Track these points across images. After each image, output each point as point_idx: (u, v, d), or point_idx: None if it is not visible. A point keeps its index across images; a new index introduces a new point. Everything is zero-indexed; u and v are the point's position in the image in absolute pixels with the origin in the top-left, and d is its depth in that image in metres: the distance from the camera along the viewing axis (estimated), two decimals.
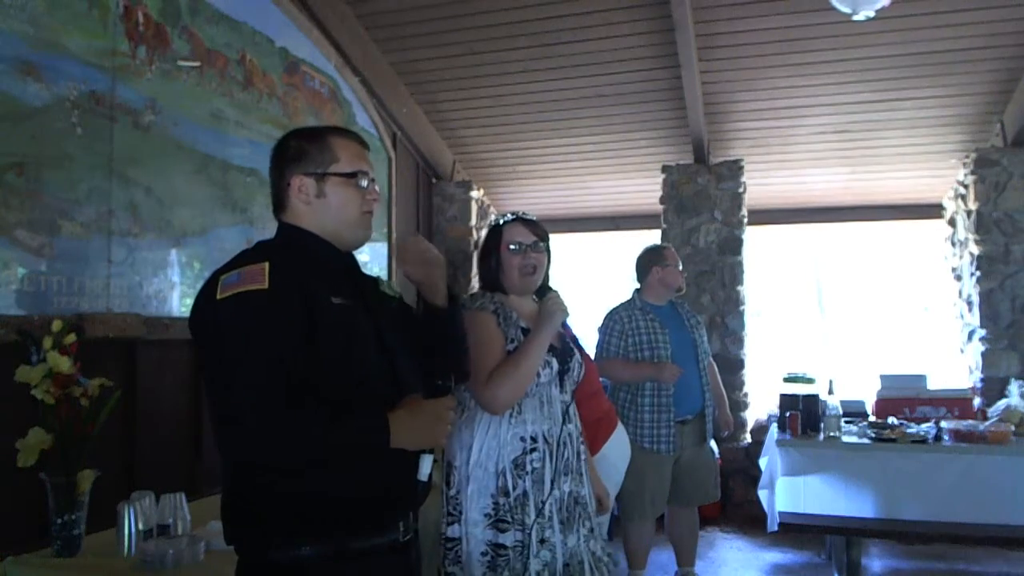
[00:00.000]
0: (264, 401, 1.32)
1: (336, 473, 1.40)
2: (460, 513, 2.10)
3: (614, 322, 3.71)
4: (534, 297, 2.30)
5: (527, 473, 2.08)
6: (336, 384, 1.42)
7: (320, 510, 1.41)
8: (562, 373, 2.20)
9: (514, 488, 2.07)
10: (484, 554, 2.05)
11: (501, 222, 2.27)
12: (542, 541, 2.08)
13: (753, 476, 4.70)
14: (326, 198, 1.53)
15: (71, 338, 2.16)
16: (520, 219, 2.25)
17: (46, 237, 2.68)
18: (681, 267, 3.83)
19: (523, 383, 2.06)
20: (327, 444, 1.36)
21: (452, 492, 2.13)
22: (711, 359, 3.93)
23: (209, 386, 1.38)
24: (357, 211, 1.55)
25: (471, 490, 2.08)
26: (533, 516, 2.06)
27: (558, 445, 2.14)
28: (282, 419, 1.32)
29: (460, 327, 1.79)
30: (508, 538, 2.05)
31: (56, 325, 2.17)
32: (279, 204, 1.58)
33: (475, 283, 5.94)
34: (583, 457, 2.26)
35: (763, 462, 4.19)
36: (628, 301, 3.78)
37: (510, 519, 2.05)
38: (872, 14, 3.29)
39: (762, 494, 4.06)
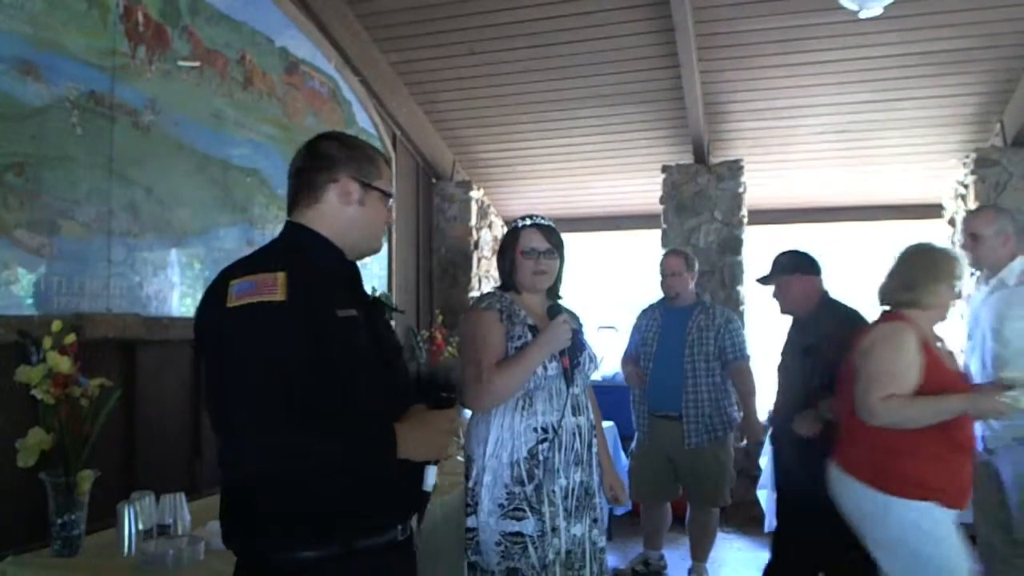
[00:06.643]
0: (269, 414, 1.30)
1: (342, 483, 1.40)
2: (477, 504, 2.22)
3: (635, 320, 4.18)
4: (548, 298, 2.41)
5: (540, 462, 2.20)
6: (341, 396, 1.41)
7: (322, 516, 1.40)
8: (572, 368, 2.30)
9: (530, 479, 2.19)
10: (498, 544, 2.17)
11: (519, 225, 2.37)
12: (553, 529, 2.19)
13: (753, 476, 4.70)
14: (365, 207, 1.57)
15: (71, 338, 2.16)
16: (536, 225, 2.35)
17: (46, 237, 2.67)
18: (678, 273, 4.00)
19: (511, 388, 2.20)
20: (333, 456, 1.36)
21: (471, 484, 2.25)
22: (741, 364, 3.90)
23: (212, 394, 1.34)
24: (382, 227, 1.63)
25: (487, 481, 2.21)
26: (547, 505, 2.19)
27: (570, 436, 2.26)
28: (287, 433, 1.31)
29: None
30: (526, 526, 2.16)
31: (56, 325, 2.17)
32: (308, 199, 1.54)
33: (475, 283, 5.95)
34: (594, 449, 2.37)
35: (763, 462, 4.18)
36: (654, 302, 4.16)
37: (526, 508, 2.17)
38: (879, 11, 3.28)
39: (762, 494, 4.06)
